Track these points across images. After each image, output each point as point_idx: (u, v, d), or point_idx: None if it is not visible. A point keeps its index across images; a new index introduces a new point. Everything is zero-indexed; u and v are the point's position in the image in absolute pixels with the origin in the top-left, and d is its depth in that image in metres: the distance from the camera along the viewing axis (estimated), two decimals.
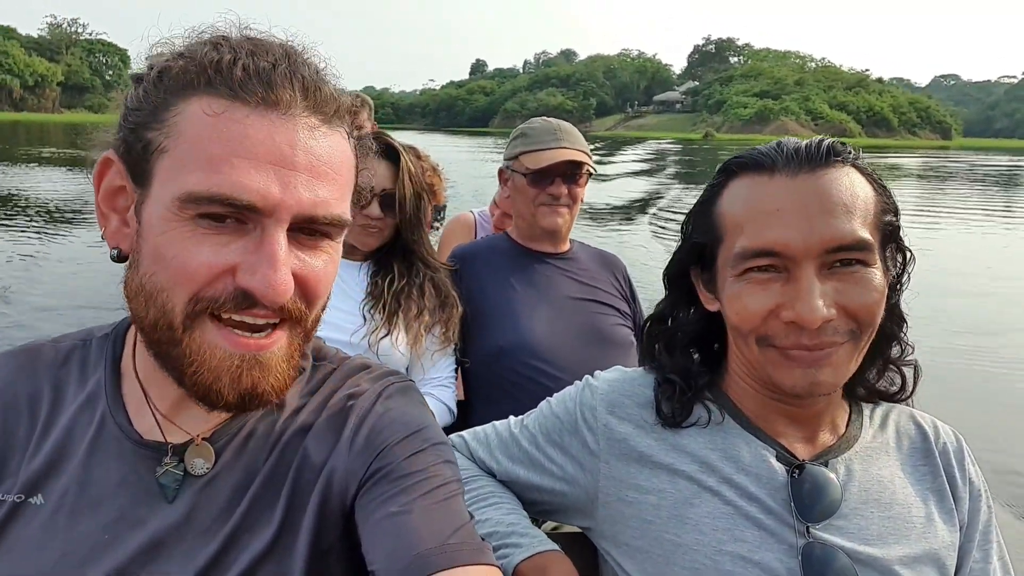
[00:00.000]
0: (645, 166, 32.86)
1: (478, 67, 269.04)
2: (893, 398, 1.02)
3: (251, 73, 0.66)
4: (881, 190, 0.90)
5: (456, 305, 1.86)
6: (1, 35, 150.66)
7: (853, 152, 0.90)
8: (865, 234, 0.85)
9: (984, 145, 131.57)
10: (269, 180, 0.65)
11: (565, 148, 1.94)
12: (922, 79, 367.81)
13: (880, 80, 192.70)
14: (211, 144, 0.64)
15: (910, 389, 1.01)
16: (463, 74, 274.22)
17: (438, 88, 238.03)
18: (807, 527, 0.88)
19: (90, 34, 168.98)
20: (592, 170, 2.01)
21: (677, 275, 1.04)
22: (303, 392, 0.85)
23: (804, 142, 0.88)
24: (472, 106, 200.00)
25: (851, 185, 0.87)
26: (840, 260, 0.85)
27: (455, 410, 1.88)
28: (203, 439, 0.78)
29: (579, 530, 1.08)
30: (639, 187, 20.58)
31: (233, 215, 0.66)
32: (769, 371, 0.90)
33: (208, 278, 0.66)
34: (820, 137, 0.89)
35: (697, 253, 0.98)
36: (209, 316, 0.68)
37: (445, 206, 3.01)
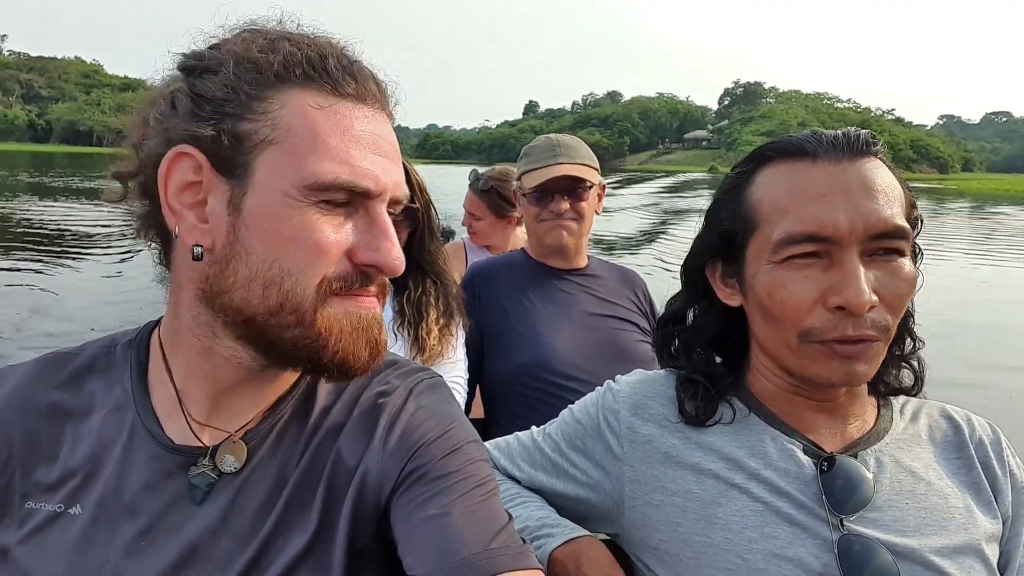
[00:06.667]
0: (651, 199, 32.14)
1: (531, 107, 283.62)
2: (909, 392, 0.96)
3: (343, 68, 0.68)
4: (904, 185, 0.85)
5: (455, 318, 1.79)
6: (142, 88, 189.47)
7: (883, 145, 0.85)
8: (904, 223, 0.80)
9: (973, 178, 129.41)
10: (376, 167, 0.68)
11: (563, 164, 1.85)
12: (975, 116, 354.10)
13: (899, 119, 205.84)
14: (328, 136, 0.66)
15: (922, 382, 0.96)
16: (517, 114, 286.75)
17: (493, 127, 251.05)
18: (840, 520, 0.82)
19: None
20: (592, 182, 1.88)
21: (695, 269, 0.98)
22: (332, 388, 0.80)
23: (841, 131, 0.84)
24: (522, 143, 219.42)
25: (887, 175, 0.82)
26: (881, 248, 0.80)
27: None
28: (238, 438, 0.74)
29: (608, 537, 1.01)
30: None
31: (350, 200, 0.68)
32: (805, 365, 0.83)
33: (337, 256, 0.67)
34: (854, 128, 0.85)
35: (724, 243, 0.91)
36: (333, 294, 0.69)
37: (454, 232, 3.50)
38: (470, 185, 3.02)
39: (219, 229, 0.66)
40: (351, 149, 0.67)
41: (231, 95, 0.65)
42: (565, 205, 1.88)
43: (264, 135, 0.65)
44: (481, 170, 3.11)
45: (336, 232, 0.67)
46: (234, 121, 0.65)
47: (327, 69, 0.67)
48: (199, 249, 0.66)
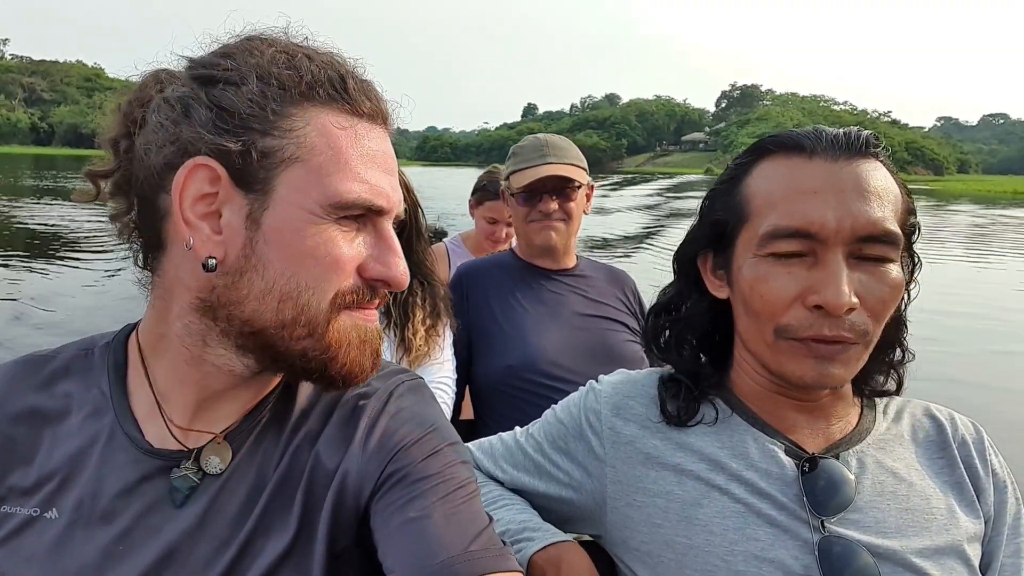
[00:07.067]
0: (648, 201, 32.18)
1: (529, 110, 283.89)
2: (893, 394, 0.95)
3: (360, 88, 0.70)
4: (905, 191, 0.83)
5: (442, 318, 1.78)
6: None
7: (885, 148, 0.84)
8: (895, 228, 0.79)
9: (962, 180, 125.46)
10: (387, 186, 0.70)
11: (551, 164, 1.82)
12: (972, 118, 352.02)
13: (895, 122, 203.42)
14: (350, 156, 0.68)
15: (904, 386, 0.95)
16: (516, 116, 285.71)
17: (492, 129, 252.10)
18: (821, 521, 0.81)
19: None
20: (580, 183, 1.85)
21: (686, 259, 0.96)
22: (313, 391, 0.79)
23: (842, 130, 0.83)
24: None
25: (885, 178, 0.81)
26: (867, 251, 0.79)
27: (450, 411, 1.75)
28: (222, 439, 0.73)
29: (591, 538, 1.00)
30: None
31: (362, 216, 0.70)
32: (781, 361, 0.83)
33: (351, 271, 0.69)
34: (856, 128, 0.84)
35: (716, 233, 0.91)
36: (344, 307, 0.70)
37: (446, 232, 3.29)
38: (497, 193, 2.76)
39: (233, 241, 0.66)
40: (368, 169, 0.69)
41: (257, 111, 0.65)
42: (553, 205, 1.86)
43: (289, 152, 0.66)
44: (478, 172, 3.08)
45: (350, 247, 0.68)
46: (259, 136, 0.65)
47: (347, 90, 0.68)
48: (213, 261, 0.66)
